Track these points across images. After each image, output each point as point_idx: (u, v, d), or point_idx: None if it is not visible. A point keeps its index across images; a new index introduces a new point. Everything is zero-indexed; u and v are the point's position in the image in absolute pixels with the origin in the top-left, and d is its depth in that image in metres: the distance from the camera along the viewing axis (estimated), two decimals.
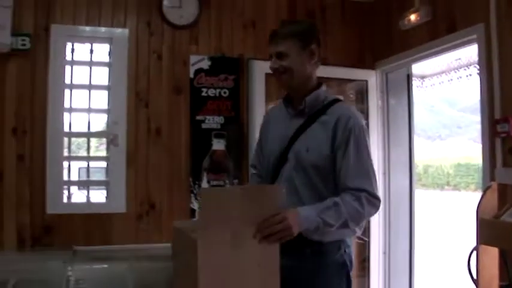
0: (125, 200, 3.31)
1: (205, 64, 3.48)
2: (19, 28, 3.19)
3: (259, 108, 3.51)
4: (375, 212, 1.98)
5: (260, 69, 3.50)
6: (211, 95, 3.46)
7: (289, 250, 1.79)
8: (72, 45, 3.36)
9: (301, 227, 1.77)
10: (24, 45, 3.17)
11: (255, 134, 3.41)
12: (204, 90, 3.45)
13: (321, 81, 2.11)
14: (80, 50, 3.38)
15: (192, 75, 3.46)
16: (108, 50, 3.38)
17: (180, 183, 3.40)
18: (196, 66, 3.46)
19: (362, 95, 3.88)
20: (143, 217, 3.33)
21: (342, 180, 1.93)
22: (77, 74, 3.37)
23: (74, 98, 3.34)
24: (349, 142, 1.93)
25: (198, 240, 1.59)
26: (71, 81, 3.34)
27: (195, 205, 3.37)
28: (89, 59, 3.39)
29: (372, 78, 3.86)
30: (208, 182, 3.38)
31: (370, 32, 3.89)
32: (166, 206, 3.38)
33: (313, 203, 1.89)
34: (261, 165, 2.23)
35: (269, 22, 3.65)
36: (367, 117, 3.81)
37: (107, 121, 3.39)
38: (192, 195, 3.39)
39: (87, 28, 3.34)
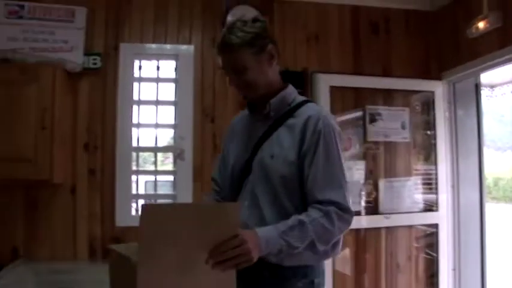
0: None
1: None
2: (90, 48, 3.32)
3: None
4: (347, 228, 1.71)
5: (324, 82, 3.48)
6: None
7: (245, 272, 1.53)
8: (140, 62, 3.46)
9: (262, 251, 1.54)
10: (95, 64, 3.30)
11: None
12: None
13: (287, 82, 1.90)
14: (147, 67, 3.48)
15: None
16: (175, 66, 3.45)
17: None
18: None
19: (428, 107, 3.79)
20: None
21: (310, 190, 1.69)
22: (144, 91, 3.46)
23: (142, 114, 3.43)
24: (317, 147, 1.69)
25: (138, 265, 1.37)
26: (139, 98, 3.43)
27: None
28: (156, 76, 3.47)
29: (439, 89, 3.76)
30: None
31: (436, 42, 3.80)
32: None
33: (276, 220, 1.65)
34: (223, 178, 1.99)
35: (332, 35, 3.65)
36: (434, 129, 3.72)
37: (174, 136, 3.45)
38: None
39: (154, 46, 3.44)
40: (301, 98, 1.88)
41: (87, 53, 3.28)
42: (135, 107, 3.40)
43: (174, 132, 3.45)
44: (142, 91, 3.45)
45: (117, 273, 1.66)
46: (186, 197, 3.33)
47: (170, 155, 3.52)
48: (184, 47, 3.45)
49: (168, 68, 3.50)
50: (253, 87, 1.77)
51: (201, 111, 3.44)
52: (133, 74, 3.41)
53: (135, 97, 3.41)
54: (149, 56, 3.47)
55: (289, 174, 1.71)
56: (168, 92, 3.47)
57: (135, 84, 3.42)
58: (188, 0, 3.50)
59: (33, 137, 2.94)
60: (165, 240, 1.38)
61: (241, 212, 1.71)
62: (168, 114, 3.49)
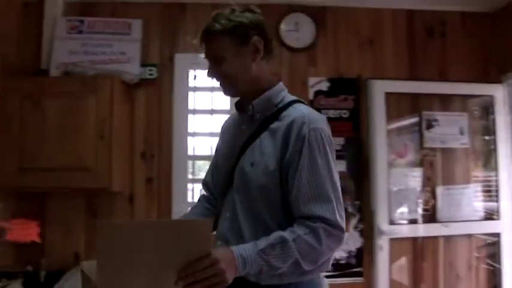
0: None
1: (324, 85, 3.47)
2: (147, 59, 3.39)
3: (380, 129, 3.44)
4: (338, 246, 1.51)
5: (380, 88, 3.44)
6: (332, 116, 3.44)
7: None
8: (195, 72, 3.49)
9: (239, 271, 1.38)
10: (151, 74, 3.36)
11: (377, 155, 3.37)
12: (324, 111, 3.43)
13: (280, 79, 1.73)
14: (202, 77, 3.51)
15: (311, 97, 3.46)
16: None
17: None
18: (316, 88, 3.47)
19: (487, 111, 3.68)
20: None
21: (294, 204, 1.50)
22: (199, 100, 3.50)
23: (197, 123, 3.47)
24: (301, 155, 1.49)
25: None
26: (194, 107, 3.47)
27: None
28: (210, 85, 3.50)
29: (499, 93, 3.63)
30: None
31: (495, 44, 3.68)
32: None
33: (255, 236, 1.48)
34: (214, 184, 1.85)
35: (387, 40, 3.60)
36: (493, 134, 3.61)
37: None
38: None
39: None
40: (290, 98, 1.68)
41: (144, 64, 3.35)
42: (190, 116, 3.45)
43: None
44: (197, 100, 3.49)
45: None
46: None
47: None
48: None
49: None
50: (231, 81, 1.63)
51: None
52: (188, 84, 3.45)
53: (191, 106, 3.45)
54: (204, 66, 3.48)
55: (269, 184, 1.53)
56: (222, 100, 3.49)
57: (191, 94, 3.47)
58: None
59: (92, 146, 3.02)
60: (126, 260, 1.27)
61: (222, 225, 1.61)
62: (222, 122, 3.50)
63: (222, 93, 3.43)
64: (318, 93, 3.47)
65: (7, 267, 2.90)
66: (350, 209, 3.38)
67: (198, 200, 1.94)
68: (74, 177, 3.01)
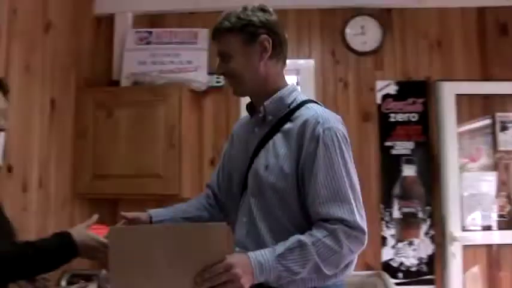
0: None
1: (392, 89, 3.41)
2: (214, 67, 3.41)
3: (450, 132, 3.33)
4: (360, 248, 1.48)
5: (449, 90, 3.33)
6: (400, 120, 3.37)
7: None
8: None
9: (256, 277, 1.35)
10: (218, 82, 3.42)
11: (447, 159, 3.28)
12: (392, 115, 3.37)
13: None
14: None
15: (379, 101, 3.41)
16: (296, 81, 3.48)
17: (371, 210, 3.30)
18: (383, 92, 3.41)
19: None
20: None
21: (312, 207, 1.47)
22: None
23: None
24: (317, 156, 1.46)
25: None
26: None
27: (386, 233, 3.29)
28: None
29: None
30: (400, 209, 3.29)
31: None
32: None
33: (275, 240, 1.47)
34: (220, 188, 1.85)
35: (456, 40, 3.48)
36: None
37: None
38: (383, 222, 3.31)
39: None
40: (302, 98, 1.65)
41: (211, 72, 3.40)
42: None
43: None
44: None
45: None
46: None
47: None
48: (304, 61, 3.48)
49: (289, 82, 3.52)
50: (238, 79, 1.61)
51: None
52: None
53: None
54: None
55: (286, 186, 1.51)
56: None
57: None
58: (306, 14, 3.53)
59: (162, 153, 3.11)
60: (140, 266, 1.26)
61: (240, 231, 1.59)
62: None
63: None
64: (386, 96, 3.40)
65: (84, 270, 3.01)
66: (420, 215, 3.30)
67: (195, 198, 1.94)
68: (145, 184, 3.10)
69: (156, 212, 1.81)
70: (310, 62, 3.47)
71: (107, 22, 3.62)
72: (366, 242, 1.48)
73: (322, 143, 1.47)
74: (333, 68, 3.46)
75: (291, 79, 3.43)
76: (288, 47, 1.68)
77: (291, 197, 1.51)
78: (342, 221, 1.43)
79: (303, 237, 1.42)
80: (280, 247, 1.40)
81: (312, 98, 3.33)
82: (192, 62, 3.39)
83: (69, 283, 2.89)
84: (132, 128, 3.16)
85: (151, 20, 3.60)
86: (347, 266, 1.50)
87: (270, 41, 1.58)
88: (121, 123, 3.18)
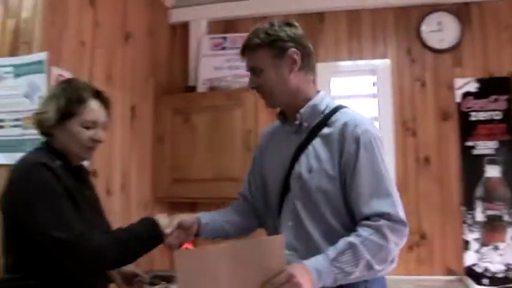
0: None
1: (472, 86, 3.28)
2: None
3: None
4: (403, 241, 1.54)
5: None
6: (482, 118, 3.24)
7: None
8: (336, 80, 3.50)
9: (315, 283, 1.41)
10: None
11: None
12: (473, 114, 3.26)
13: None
14: (343, 84, 3.53)
15: (458, 100, 3.30)
16: (373, 81, 3.43)
17: (452, 213, 3.23)
18: (463, 90, 3.29)
19: None
20: (413, 248, 3.24)
21: (355, 206, 1.55)
22: None
23: None
24: (358, 157, 1.55)
25: None
26: None
27: (468, 236, 3.17)
28: (351, 93, 3.49)
29: None
30: (483, 211, 3.17)
31: None
32: (438, 237, 3.24)
33: (324, 239, 1.56)
34: (253, 195, 1.92)
35: None
36: None
37: None
38: (465, 225, 3.19)
39: (349, 63, 3.47)
40: (334, 104, 1.72)
41: None
42: None
43: None
44: None
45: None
46: None
47: None
48: (380, 61, 3.43)
49: (365, 83, 3.49)
50: (270, 92, 1.68)
51: (402, 125, 3.37)
52: (330, 92, 3.45)
53: None
54: (345, 73, 3.52)
55: (331, 189, 1.59)
56: (365, 107, 3.44)
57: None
58: (380, 13, 3.48)
59: (239, 157, 3.15)
60: (206, 286, 1.33)
61: (287, 235, 1.61)
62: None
63: (362, 99, 3.47)
64: (466, 95, 3.29)
65: (165, 271, 3.10)
66: (506, 218, 3.16)
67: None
68: (222, 187, 3.15)
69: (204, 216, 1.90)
70: (386, 62, 3.42)
71: (181, 30, 3.73)
72: (407, 234, 1.55)
73: (363, 145, 1.56)
74: (410, 67, 3.39)
75: (366, 80, 3.45)
76: (314, 59, 1.75)
77: (336, 196, 1.59)
78: (386, 215, 1.50)
79: (351, 239, 1.49)
80: (332, 251, 1.48)
81: (390, 98, 3.33)
82: None
83: (151, 284, 2.99)
84: (209, 133, 3.24)
85: (225, 26, 3.68)
86: (393, 259, 1.56)
87: (299, 54, 1.66)
88: (198, 128, 3.26)
